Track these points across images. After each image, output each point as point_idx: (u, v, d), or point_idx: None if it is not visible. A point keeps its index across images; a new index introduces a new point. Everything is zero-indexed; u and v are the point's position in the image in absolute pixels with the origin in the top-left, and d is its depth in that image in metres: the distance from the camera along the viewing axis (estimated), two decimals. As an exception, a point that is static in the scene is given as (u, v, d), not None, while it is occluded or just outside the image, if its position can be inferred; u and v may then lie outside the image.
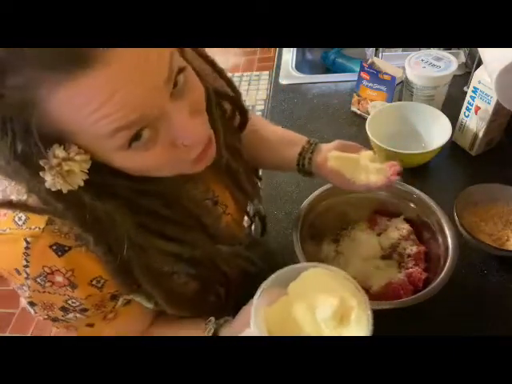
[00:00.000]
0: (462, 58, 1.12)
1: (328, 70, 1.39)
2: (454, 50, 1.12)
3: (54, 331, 0.47)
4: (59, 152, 0.34)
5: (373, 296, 0.66)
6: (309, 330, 0.41)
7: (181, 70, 0.38)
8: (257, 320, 0.42)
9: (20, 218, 0.39)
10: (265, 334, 0.41)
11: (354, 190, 0.60)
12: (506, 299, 0.67)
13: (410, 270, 0.67)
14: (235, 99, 0.58)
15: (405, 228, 0.72)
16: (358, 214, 0.76)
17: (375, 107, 0.98)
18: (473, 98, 0.84)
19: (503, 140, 0.91)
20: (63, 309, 0.43)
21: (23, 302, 0.44)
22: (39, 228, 0.39)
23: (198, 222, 0.50)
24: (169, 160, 0.40)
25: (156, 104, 0.35)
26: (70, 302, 0.43)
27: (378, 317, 0.66)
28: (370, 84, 0.99)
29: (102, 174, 0.39)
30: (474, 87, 0.82)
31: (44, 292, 0.41)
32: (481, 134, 0.85)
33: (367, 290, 0.68)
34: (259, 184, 0.69)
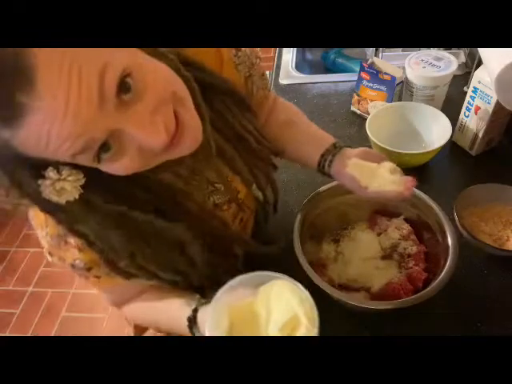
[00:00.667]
0: (462, 58, 1.12)
1: (328, 70, 1.39)
2: (454, 50, 1.12)
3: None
4: (52, 174, 0.40)
5: (373, 296, 0.66)
6: (264, 331, 0.46)
7: (127, 75, 0.37)
8: (217, 312, 0.47)
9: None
10: (224, 326, 0.46)
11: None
12: (506, 299, 0.67)
13: (410, 270, 0.67)
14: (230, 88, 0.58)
15: (405, 228, 0.72)
16: (358, 214, 0.76)
17: (375, 107, 0.98)
18: (473, 98, 0.84)
19: (503, 140, 0.91)
20: (72, 265, 0.52)
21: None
22: None
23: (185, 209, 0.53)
24: (145, 158, 0.42)
25: (99, 126, 0.36)
26: (76, 261, 0.51)
27: (378, 317, 0.67)
28: (370, 84, 0.99)
29: (101, 177, 0.42)
30: (474, 87, 0.82)
31: (58, 249, 0.50)
32: (481, 134, 0.85)
33: (367, 290, 0.68)
34: (272, 172, 0.69)
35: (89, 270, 0.52)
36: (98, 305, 1.81)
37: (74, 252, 0.50)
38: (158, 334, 0.76)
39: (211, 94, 0.54)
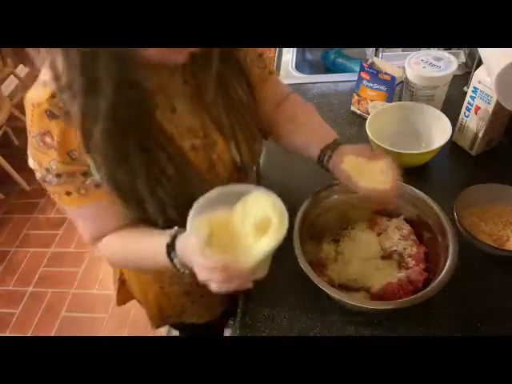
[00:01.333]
0: (462, 58, 1.12)
1: (328, 70, 1.39)
2: (454, 50, 1.12)
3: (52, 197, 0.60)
4: None
5: (373, 296, 0.66)
6: (241, 236, 0.53)
7: None
8: (196, 221, 0.53)
9: (38, 92, 0.53)
10: (204, 234, 0.51)
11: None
12: (506, 299, 0.67)
13: (410, 270, 0.67)
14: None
15: (405, 228, 0.72)
16: (358, 214, 0.76)
17: (375, 107, 0.98)
18: (473, 98, 0.84)
19: (503, 140, 0.91)
20: (46, 170, 0.56)
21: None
22: (44, 99, 0.51)
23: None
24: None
25: None
26: (51, 163, 0.55)
27: (378, 317, 0.67)
28: (370, 84, 0.99)
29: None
30: (474, 87, 0.82)
31: (38, 151, 0.55)
32: (481, 134, 0.85)
33: (367, 290, 0.68)
34: (257, 142, 0.71)
35: (59, 176, 0.55)
36: (98, 305, 1.81)
37: (50, 152, 0.54)
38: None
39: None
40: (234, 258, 0.51)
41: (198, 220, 0.53)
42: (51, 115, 0.52)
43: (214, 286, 0.51)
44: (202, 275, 0.52)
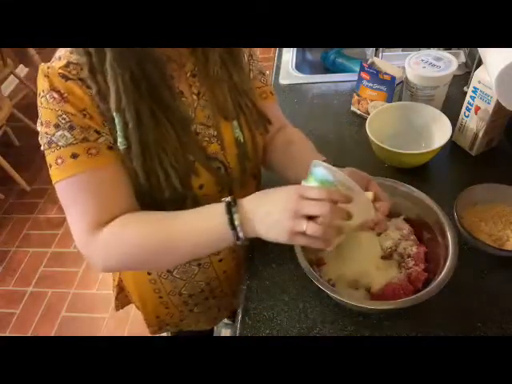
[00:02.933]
0: (462, 58, 1.12)
1: (328, 70, 1.39)
2: (454, 50, 1.12)
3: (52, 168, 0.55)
4: None
5: (373, 296, 0.66)
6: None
7: None
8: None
9: (53, 64, 0.54)
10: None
11: None
12: (505, 299, 0.67)
13: (410, 269, 0.67)
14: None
15: (405, 228, 0.72)
16: (358, 214, 0.76)
17: (375, 107, 0.98)
18: (473, 98, 0.84)
19: (503, 140, 0.91)
20: (56, 126, 0.53)
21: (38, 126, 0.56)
22: (58, 67, 0.53)
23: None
24: None
25: None
26: (61, 117, 0.53)
27: (378, 317, 0.67)
28: (370, 84, 0.99)
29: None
30: (474, 87, 0.82)
31: (47, 108, 0.53)
32: (481, 134, 0.85)
33: (367, 290, 0.68)
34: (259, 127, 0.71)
35: (72, 128, 0.53)
36: (98, 305, 1.81)
37: (60, 106, 0.53)
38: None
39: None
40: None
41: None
42: (64, 77, 0.53)
43: (312, 228, 0.46)
44: (298, 213, 0.47)
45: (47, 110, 0.54)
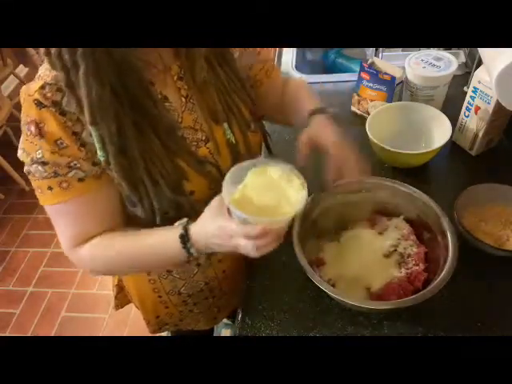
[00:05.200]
0: (462, 58, 1.12)
1: (328, 70, 1.39)
2: (454, 50, 1.12)
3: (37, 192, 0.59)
4: None
5: (373, 296, 0.66)
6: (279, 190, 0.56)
7: None
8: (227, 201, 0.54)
9: (32, 84, 0.54)
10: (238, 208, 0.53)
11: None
12: (505, 299, 0.67)
13: (410, 269, 0.67)
14: None
15: (405, 228, 0.72)
16: (358, 214, 0.76)
17: (375, 107, 0.98)
18: (473, 98, 0.84)
19: (503, 140, 0.91)
20: (32, 159, 0.56)
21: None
22: (34, 90, 0.53)
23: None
24: None
25: None
26: (37, 152, 0.55)
27: (378, 317, 0.67)
28: (370, 84, 0.99)
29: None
30: (474, 87, 0.82)
31: (27, 140, 0.56)
32: (481, 134, 0.85)
33: (367, 290, 0.68)
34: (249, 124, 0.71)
35: (44, 164, 0.55)
36: (98, 305, 1.81)
37: (36, 140, 0.54)
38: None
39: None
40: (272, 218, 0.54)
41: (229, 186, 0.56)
42: (39, 104, 0.53)
43: (255, 252, 0.53)
44: (241, 246, 0.53)
45: (27, 141, 0.56)
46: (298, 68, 1.26)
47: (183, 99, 0.63)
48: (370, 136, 0.85)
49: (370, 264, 0.70)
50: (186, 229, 0.58)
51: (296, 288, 0.72)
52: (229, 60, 0.67)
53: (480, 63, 0.79)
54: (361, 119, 1.03)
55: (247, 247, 0.53)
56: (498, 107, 0.79)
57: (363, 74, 0.99)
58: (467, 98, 0.85)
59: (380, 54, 1.15)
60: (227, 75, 0.67)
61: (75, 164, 0.56)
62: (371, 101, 1.00)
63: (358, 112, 1.05)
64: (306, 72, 1.28)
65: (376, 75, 0.97)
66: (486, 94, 0.80)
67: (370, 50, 1.23)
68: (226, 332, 1.47)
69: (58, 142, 0.55)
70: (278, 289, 0.72)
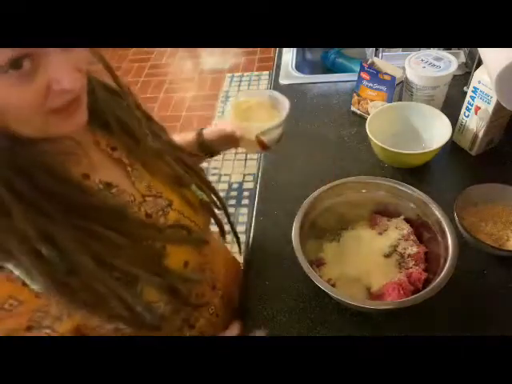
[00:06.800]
0: (462, 58, 1.12)
1: (328, 70, 1.39)
2: (454, 50, 1.12)
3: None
4: None
5: (373, 296, 0.66)
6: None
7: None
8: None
9: None
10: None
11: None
12: (506, 299, 0.67)
13: (410, 270, 0.67)
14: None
15: (405, 228, 0.72)
16: (358, 214, 0.76)
17: (375, 107, 0.98)
18: (473, 97, 0.84)
19: (503, 140, 0.91)
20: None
21: None
22: None
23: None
24: (40, 104, 0.40)
25: None
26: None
27: (378, 317, 0.67)
28: (370, 84, 0.99)
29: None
30: (474, 87, 0.82)
31: None
32: (481, 134, 0.85)
33: (367, 290, 0.68)
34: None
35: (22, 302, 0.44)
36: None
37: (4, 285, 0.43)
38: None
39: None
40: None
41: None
42: None
43: None
44: None
45: None
46: (298, 68, 1.26)
47: (128, 168, 0.55)
48: (370, 136, 0.85)
49: (370, 264, 0.70)
50: None
51: (296, 288, 0.72)
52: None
53: (480, 63, 0.79)
54: (361, 119, 1.03)
55: None
56: (498, 107, 0.79)
57: (363, 74, 0.99)
58: (467, 98, 0.85)
59: (380, 54, 1.15)
60: (166, 134, 0.65)
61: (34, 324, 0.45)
62: (371, 101, 1.00)
63: (358, 112, 1.05)
64: (306, 72, 1.28)
65: (376, 75, 0.97)
66: (486, 94, 0.80)
67: (370, 50, 1.23)
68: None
69: (7, 304, 0.43)
70: (278, 288, 0.72)
